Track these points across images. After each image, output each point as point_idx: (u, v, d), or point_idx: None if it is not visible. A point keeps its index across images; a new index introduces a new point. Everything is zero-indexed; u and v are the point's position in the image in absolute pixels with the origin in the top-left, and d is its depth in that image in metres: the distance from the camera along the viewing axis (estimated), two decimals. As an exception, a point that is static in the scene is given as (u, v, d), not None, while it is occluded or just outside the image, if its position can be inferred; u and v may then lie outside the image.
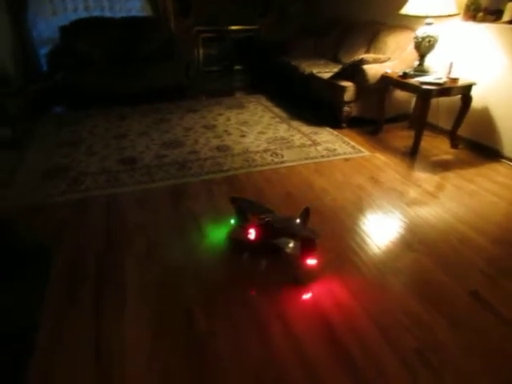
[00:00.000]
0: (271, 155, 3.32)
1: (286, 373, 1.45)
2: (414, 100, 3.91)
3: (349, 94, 3.73)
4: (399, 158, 3.25)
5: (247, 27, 5.80)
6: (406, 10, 3.23)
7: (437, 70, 3.36)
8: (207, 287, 1.88)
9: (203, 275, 1.96)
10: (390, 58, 3.82)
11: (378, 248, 2.16)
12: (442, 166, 3.12)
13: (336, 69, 4.10)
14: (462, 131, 3.40)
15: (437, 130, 3.71)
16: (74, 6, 5.32)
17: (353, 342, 1.58)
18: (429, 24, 3.21)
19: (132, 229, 2.34)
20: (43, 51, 5.02)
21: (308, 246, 1.98)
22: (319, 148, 3.46)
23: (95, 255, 2.11)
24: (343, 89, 3.71)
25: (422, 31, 3.25)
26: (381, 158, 3.27)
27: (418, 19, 3.42)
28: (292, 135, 3.75)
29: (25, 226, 2.36)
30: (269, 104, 4.76)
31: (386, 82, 3.55)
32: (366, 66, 3.64)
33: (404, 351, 1.53)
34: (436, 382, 1.42)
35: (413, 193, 2.74)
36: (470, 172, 3.01)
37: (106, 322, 1.69)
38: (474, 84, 3.18)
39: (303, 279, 1.92)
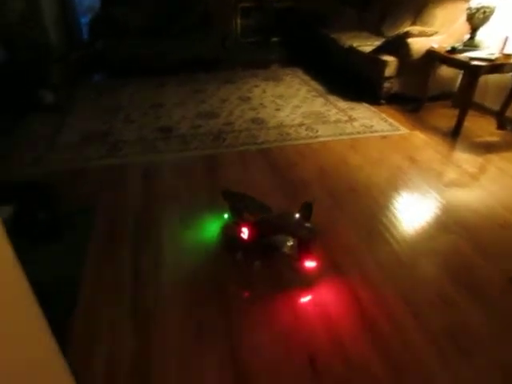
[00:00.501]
0: (306, 130, 3.27)
1: (314, 341, 1.48)
2: (460, 77, 3.70)
3: (390, 70, 3.59)
4: (440, 138, 3.13)
5: (287, -3, 5.63)
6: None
7: (489, 45, 3.15)
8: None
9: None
10: (437, 32, 3.61)
11: (412, 227, 2.11)
12: (485, 148, 2.98)
13: (378, 42, 3.93)
14: (511, 112, 3.21)
15: (483, 109, 3.52)
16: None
17: (381, 317, 1.57)
18: (484, -6, 3.00)
19: (167, 194, 2.40)
20: (84, 20, 5.10)
21: (304, 246, 1.79)
22: (355, 124, 3.37)
23: (133, 217, 2.19)
24: (384, 63, 3.57)
25: (476, 1, 3.04)
26: (420, 136, 3.15)
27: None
28: (328, 110, 3.67)
29: (67, 188, 2.47)
30: (305, 77, 4.66)
31: (432, 57, 3.38)
32: (410, 40, 3.47)
33: (433, 330, 1.52)
34: (465, 363, 1.40)
35: (452, 174, 2.64)
36: (516, 155, 2.87)
37: (143, 279, 1.77)
38: (530, 61, 2.97)
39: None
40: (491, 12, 3.02)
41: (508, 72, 3.02)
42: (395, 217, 2.19)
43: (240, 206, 2.00)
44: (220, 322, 1.57)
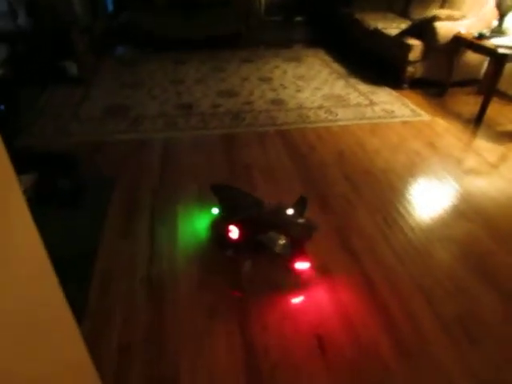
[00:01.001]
0: (325, 112, 3.25)
1: (326, 322, 1.53)
2: (485, 64, 3.61)
3: (415, 54, 3.52)
4: (462, 125, 3.08)
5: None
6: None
7: (518, 32, 3.07)
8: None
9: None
10: (465, 16, 3.51)
11: (428, 214, 2.12)
12: (508, 137, 2.93)
13: (403, 25, 3.85)
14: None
15: (507, 97, 3.45)
16: None
17: (393, 301, 1.60)
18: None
19: (185, 171, 2.45)
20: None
21: (297, 246, 1.67)
22: (376, 108, 3.34)
23: (151, 191, 2.25)
24: (409, 47, 3.50)
25: (507, -14, 2.94)
26: (442, 123, 3.11)
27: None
28: (348, 93, 3.64)
29: (88, 160, 2.53)
30: (327, 58, 4.60)
31: (458, 42, 3.30)
32: (437, 24, 3.38)
33: (444, 315, 1.54)
34: (475, 350, 1.43)
35: (472, 161, 2.62)
36: (539, 146, 2.82)
37: (157, 253, 1.83)
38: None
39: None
40: (524, -3, 2.93)
41: (536, 61, 2.94)
42: (411, 203, 2.20)
43: (231, 201, 1.89)
44: (230, 299, 1.61)
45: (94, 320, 1.52)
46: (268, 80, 3.93)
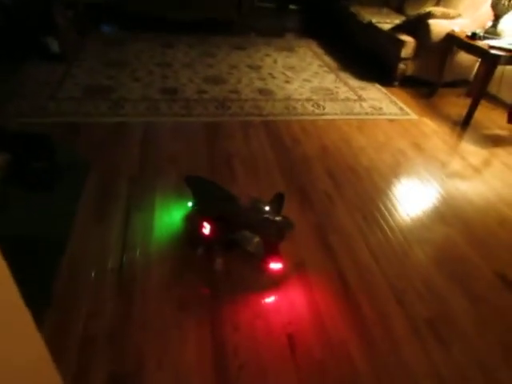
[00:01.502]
0: (313, 105, 3.20)
1: (298, 322, 1.49)
2: (477, 65, 3.59)
3: (407, 50, 3.47)
4: (449, 127, 3.06)
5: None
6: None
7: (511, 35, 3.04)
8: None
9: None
10: (460, 15, 3.47)
11: (408, 215, 2.10)
12: (493, 141, 2.92)
13: (398, 20, 3.80)
14: (524, 107, 3.13)
15: (496, 101, 3.43)
16: None
17: (366, 302, 1.58)
18: (514, -20, 2.86)
19: (165, 158, 2.37)
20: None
21: (270, 245, 1.63)
22: (364, 104, 3.30)
23: (128, 177, 2.17)
24: (402, 43, 3.45)
25: (503, -13, 2.90)
26: (429, 123, 3.08)
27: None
28: (338, 87, 3.58)
29: (64, 141, 2.43)
30: (319, 51, 4.52)
31: (451, 41, 3.26)
32: (431, 21, 3.34)
33: (415, 318, 1.53)
34: (443, 353, 1.42)
35: (456, 165, 2.60)
36: (524, 152, 2.81)
37: (131, 242, 1.77)
38: (551, 55, 2.86)
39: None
40: (519, 0, 2.89)
41: (527, 65, 2.93)
42: (392, 203, 2.17)
43: (204, 195, 1.83)
44: (202, 296, 1.57)
45: (59, 308, 1.45)
46: (257, 68, 3.84)
